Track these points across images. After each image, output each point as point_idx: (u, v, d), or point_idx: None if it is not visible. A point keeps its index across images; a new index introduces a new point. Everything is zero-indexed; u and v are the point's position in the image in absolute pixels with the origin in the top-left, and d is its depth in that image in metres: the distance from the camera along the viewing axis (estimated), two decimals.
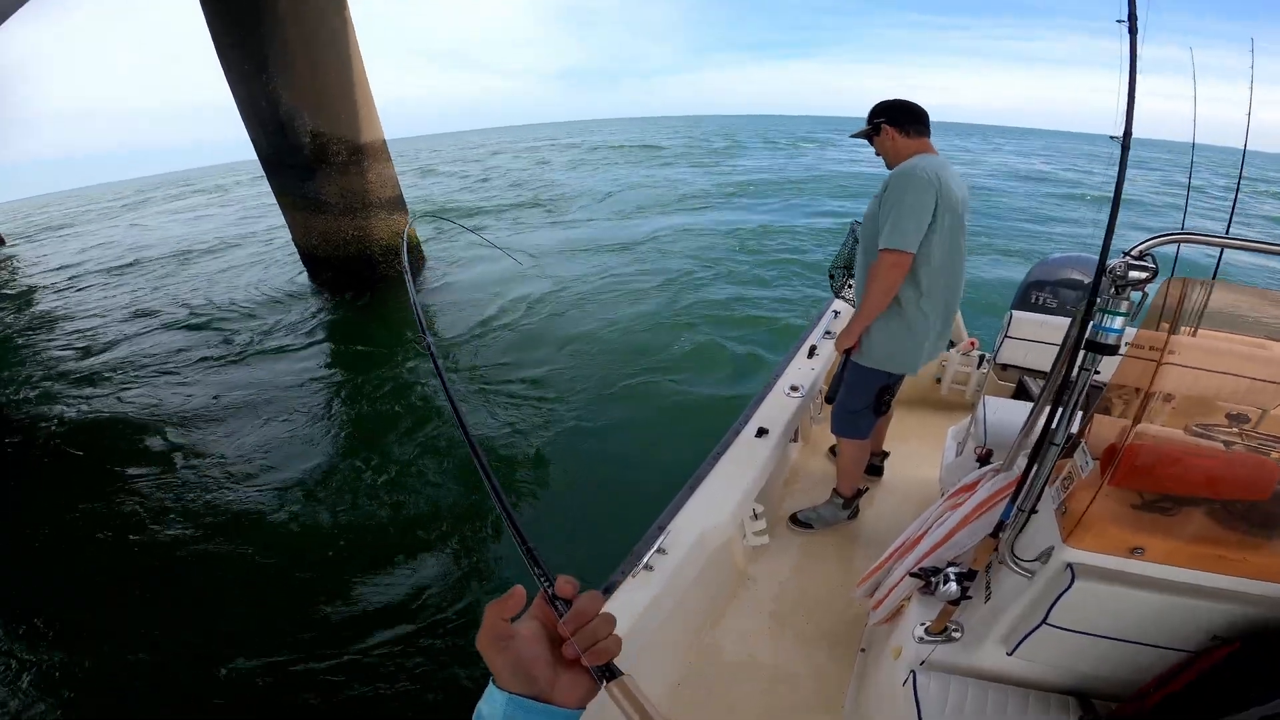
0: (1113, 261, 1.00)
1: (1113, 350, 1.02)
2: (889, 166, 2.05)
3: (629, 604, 1.63)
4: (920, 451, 3.04)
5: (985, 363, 3.32)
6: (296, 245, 9.26)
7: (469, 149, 51.14)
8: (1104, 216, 1.07)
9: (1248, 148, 2.12)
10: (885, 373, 2.21)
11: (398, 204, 9.47)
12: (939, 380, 3.49)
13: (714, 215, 14.38)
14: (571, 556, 3.37)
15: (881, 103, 2.07)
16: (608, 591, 1.69)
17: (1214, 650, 1.05)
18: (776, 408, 2.54)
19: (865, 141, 2.14)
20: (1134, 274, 0.97)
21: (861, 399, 2.28)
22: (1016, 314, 2.96)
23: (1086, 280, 2.32)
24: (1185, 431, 1.19)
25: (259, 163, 8.63)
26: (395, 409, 5.48)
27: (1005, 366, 3.08)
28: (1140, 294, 0.99)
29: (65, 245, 18.16)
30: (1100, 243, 1.08)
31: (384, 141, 9.07)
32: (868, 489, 2.66)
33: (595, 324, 7.36)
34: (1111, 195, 1.07)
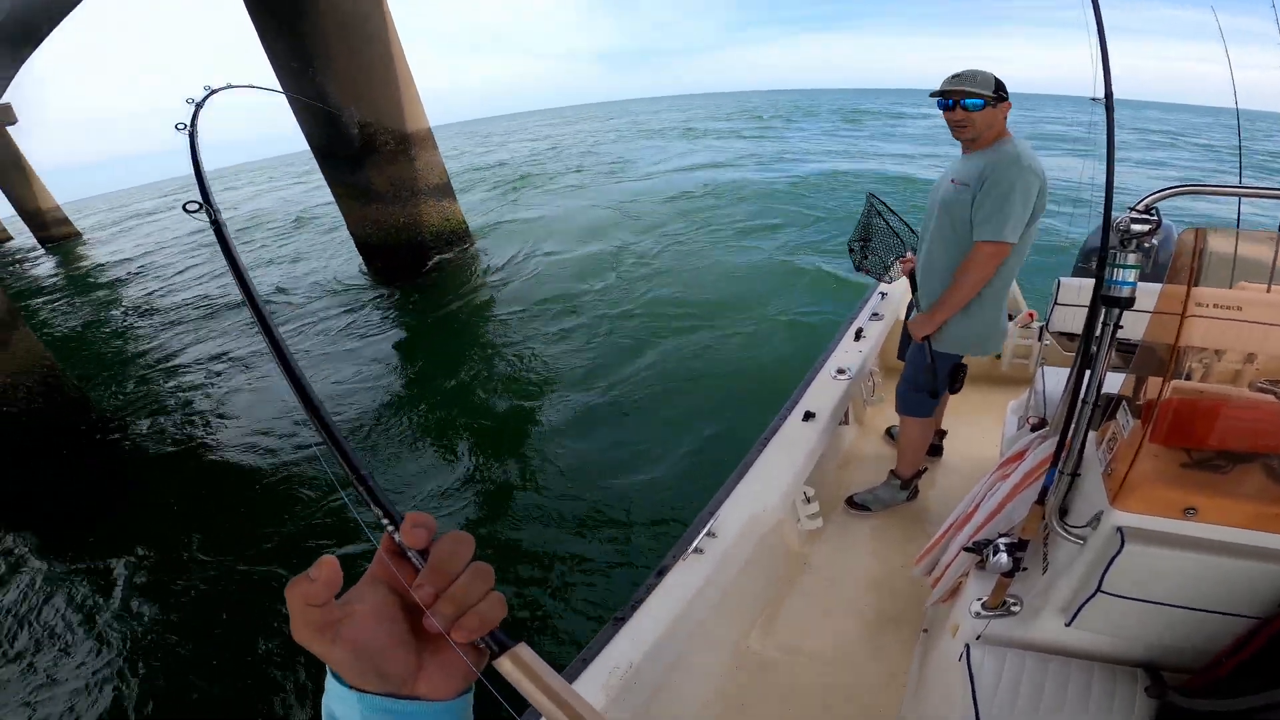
0: (1119, 216, 1.03)
1: (1128, 303, 1.03)
2: (970, 140, 1.89)
3: (680, 586, 1.62)
4: (980, 430, 2.93)
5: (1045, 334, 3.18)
6: (352, 234, 9.63)
7: (509, 134, 52.23)
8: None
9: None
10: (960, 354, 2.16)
11: (446, 190, 9.67)
12: (998, 356, 3.35)
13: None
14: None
15: (993, 76, 1.86)
16: (660, 575, 1.64)
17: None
18: (823, 391, 2.51)
19: (937, 107, 1.91)
20: (1137, 227, 1.00)
21: (936, 379, 2.23)
22: (1064, 280, 2.83)
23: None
24: (1250, 388, 1.12)
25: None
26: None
27: (1071, 336, 2.94)
28: (1149, 245, 0.99)
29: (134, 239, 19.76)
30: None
31: (429, 130, 9.24)
32: (926, 469, 2.60)
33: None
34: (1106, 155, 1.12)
